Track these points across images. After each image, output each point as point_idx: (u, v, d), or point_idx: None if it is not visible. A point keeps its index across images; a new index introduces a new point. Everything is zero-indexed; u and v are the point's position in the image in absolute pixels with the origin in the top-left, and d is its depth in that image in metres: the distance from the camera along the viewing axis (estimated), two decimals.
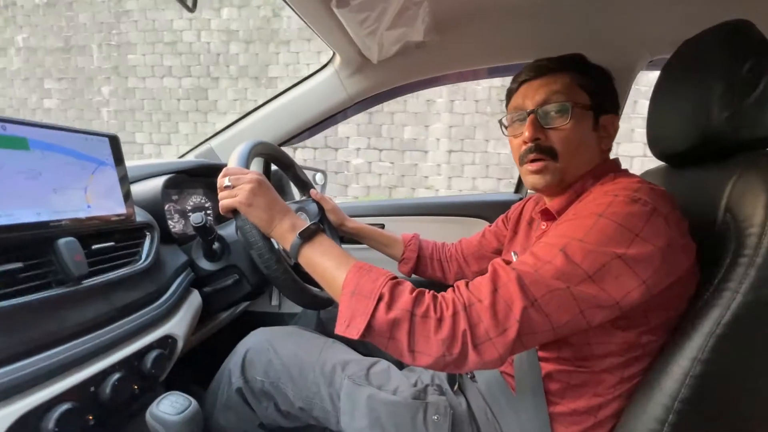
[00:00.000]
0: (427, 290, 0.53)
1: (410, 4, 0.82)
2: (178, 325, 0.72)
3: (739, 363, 0.51)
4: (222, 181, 0.66)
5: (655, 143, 0.69)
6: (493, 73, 1.20)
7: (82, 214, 0.60)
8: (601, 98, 0.64)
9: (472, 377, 0.75)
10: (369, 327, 0.50)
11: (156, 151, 4.79)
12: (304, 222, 0.65)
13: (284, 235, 0.64)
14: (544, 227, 0.70)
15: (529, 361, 0.63)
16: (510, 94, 0.70)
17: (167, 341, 0.69)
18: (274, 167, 1.16)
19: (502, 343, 0.48)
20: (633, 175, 0.61)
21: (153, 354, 0.65)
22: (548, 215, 0.67)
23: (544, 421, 0.61)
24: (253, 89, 4.54)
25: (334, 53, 1.10)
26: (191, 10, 0.59)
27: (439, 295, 0.52)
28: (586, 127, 0.63)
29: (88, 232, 0.62)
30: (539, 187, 0.66)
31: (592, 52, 0.68)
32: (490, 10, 0.99)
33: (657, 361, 0.55)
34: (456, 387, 0.73)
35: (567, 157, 0.63)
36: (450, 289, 0.54)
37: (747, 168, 0.54)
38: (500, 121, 0.72)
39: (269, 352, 0.78)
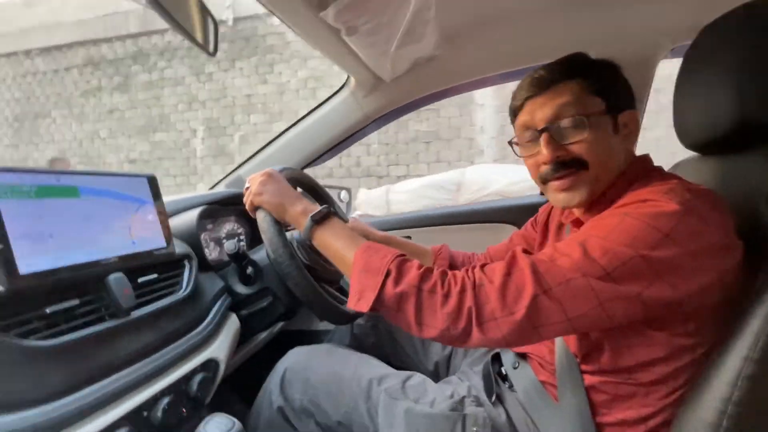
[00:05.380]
0: (436, 268, 0.55)
1: (417, 23, 0.84)
2: (219, 349, 0.75)
3: None
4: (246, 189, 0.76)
5: (684, 133, 0.66)
6: (507, 78, 1.20)
7: (128, 251, 0.65)
8: (615, 97, 0.61)
9: (511, 386, 0.74)
10: (378, 300, 0.53)
11: None
12: (316, 206, 0.69)
13: (297, 219, 0.68)
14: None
15: (570, 368, 0.62)
16: (515, 111, 0.66)
17: (210, 364, 0.73)
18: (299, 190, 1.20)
19: (507, 324, 0.49)
20: (668, 175, 0.58)
21: (198, 377, 0.68)
22: (580, 225, 0.65)
23: (590, 431, 0.59)
24: None
25: (348, 75, 1.14)
26: (211, 54, 0.63)
27: (448, 273, 0.54)
28: (607, 133, 0.59)
29: (134, 266, 0.67)
30: (572, 204, 0.61)
31: (610, 47, 0.67)
32: (498, 16, 1.00)
33: (707, 364, 0.52)
34: (494, 397, 0.71)
35: (597, 166, 0.58)
36: (463, 269, 0.54)
37: None
38: (510, 142, 0.68)
39: (307, 370, 0.80)
